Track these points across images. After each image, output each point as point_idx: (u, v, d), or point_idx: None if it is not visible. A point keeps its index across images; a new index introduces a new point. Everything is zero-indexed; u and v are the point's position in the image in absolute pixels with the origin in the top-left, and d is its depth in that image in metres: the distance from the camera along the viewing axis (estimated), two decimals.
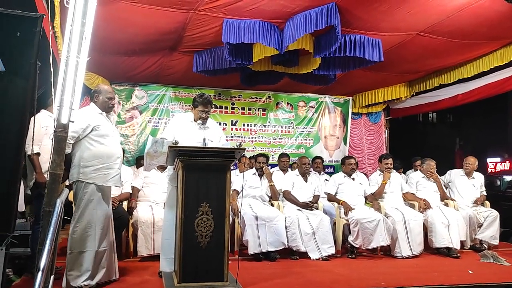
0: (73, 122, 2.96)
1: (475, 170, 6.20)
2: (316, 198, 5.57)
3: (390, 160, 5.85)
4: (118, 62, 6.11)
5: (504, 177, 20.50)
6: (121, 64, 6.21)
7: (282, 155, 6.32)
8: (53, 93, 2.99)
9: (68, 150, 3.35)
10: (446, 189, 6.27)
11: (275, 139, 8.20)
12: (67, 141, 3.22)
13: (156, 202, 5.09)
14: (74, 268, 3.43)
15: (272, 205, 5.44)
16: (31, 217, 5.02)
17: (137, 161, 6.52)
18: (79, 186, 3.52)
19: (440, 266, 4.83)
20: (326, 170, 7.76)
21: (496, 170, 20.24)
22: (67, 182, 3.73)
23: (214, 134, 4.00)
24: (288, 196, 5.44)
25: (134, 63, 6.29)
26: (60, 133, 2.87)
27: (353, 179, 5.69)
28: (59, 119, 2.84)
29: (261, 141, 8.10)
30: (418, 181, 6.03)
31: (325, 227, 5.04)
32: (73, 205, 3.65)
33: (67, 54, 2.85)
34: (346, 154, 8.33)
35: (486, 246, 5.68)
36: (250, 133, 8.06)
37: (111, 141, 3.64)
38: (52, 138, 2.88)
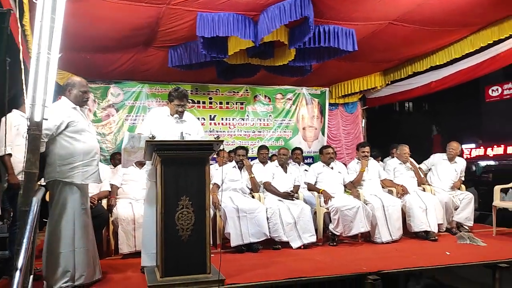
0: (46, 119, 2.92)
1: (458, 155, 6.32)
2: (296, 188, 5.62)
3: (367, 148, 5.93)
4: (91, 59, 6.01)
5: (479, 162, 21.03)
6: (94, 61, 6.12)
7: (261, 147, 6.34)
8: (24, 91, 2.93)
9: (42, 149, 3.27)
10: (427, 174, 6.40)
11: (254, 132, 8.23)
12: (41, 140, 3.18)
13: (136, 199, 5.05)
14: (52, 269, 3.36)
15: (253, 197, 5.46)
16: (8, 219, 4.93)
17: (112, 158, 6.46)
18: (56, 185, 3.43)
19: (419, 249, 4.94)
20: (306, 161, 7.82)
21: (472, 156, 20.73)
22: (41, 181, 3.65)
23: (192, 128, 3.98)
24: (269, 187, 5.48)
25: (108, 60, 6.22)
26: (34, 131, 2.83)
27: (332, 168, 5.76)
28: (32, 117, 2.79)
29: (240, 135, 8.12)
30: (395, 168, 6.15)
31: (306, 216, 5.10)
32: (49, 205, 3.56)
33: (37, 51, 2.80)
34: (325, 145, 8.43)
35: (467, 227, 5.84)
36: (229, 127, 8.07)
37: (88, 136, 3.54)
38: (26, 137, 2.83)
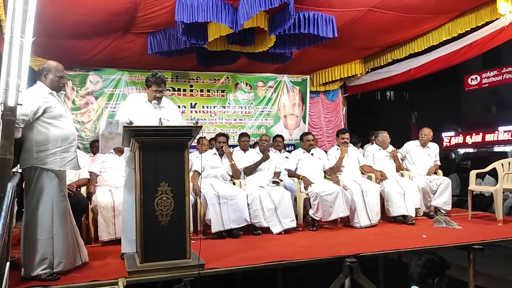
0: (21, 105, 2.87)
1: (430, 141, 6.45)
2: (277, 174, 5.66)
3: (346, 135, 6.00)
4: (69, 46, 5.91)
5: (458, 150, 21.42)
6: (72, 48, 6.01)
7: (242, 135, 6.32)
8: None
9: (18, 135, 3.21)
10: (403, 161, 6.51)
11: (235, 120, 8.22)
12: (17, 125, 3.13)
13: (115, 186, 5.01)
14: (30, 256, 3.32)
15: (234, 183, 5.48)
16: None
17: (92, 146, 6.39)
18: (33, 171, 3.36)
19: (397, 233, 5.05)
20: (287, 148, 7.86)
21: (451, 144, 21.15)
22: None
23: (170, 114, 3.94)
24: (250, 172, 5.52)
25: (86, 47, 6.12)
26: (8, 116, 2.79)
27: (312, 154, 5.81)
28: (5, 102, 2.75)
29: (221, 123, 8.11)
30: (374, 154, 6.24)
31: (286, 202, 5.14)
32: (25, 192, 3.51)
33: (10, 34, 2.75)
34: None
35: (444, 212, 5.97)
36: (210, 115, 8.04)
37: (65, 122, 3.48)
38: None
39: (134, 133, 3.41)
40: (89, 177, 5.09)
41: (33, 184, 3.38)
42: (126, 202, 3.89)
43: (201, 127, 3.61)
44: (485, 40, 6.08)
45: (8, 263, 2.70)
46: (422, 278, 2.42)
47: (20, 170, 3.44)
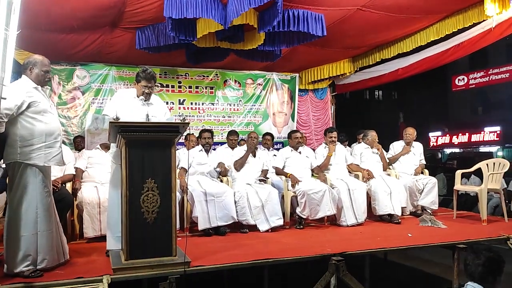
0: (5, 99, 2.82)
1: (415, 140, 6.51)
2: (264, 172, 5.66)
3: (334, 134, 6.03)
4: (56, 39, 5.83)
5: (444, 150, 21.65)
6: (59, 42, 5.93)
7: (231, 133, 6.27)
8: None
9: (1, 129, 3.17)
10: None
11: (224, 117, 8.21)
12: (0, 120, 3.08)
13: (101, 182, 4.95)
14: (13, 253, 3.27)
15: (221, 181, 5.46)
16: None
17: (74, 142, 6.33)
18: (17, 167, 3.31)
19: (383, 232, 5.08)
20: (275, 146, 7.86)
21: (438, 144, 21.37)
22: None
23: (158, 110, 3.92)
24: (240, 166, 5.54)
25: (73, 41, 6.04)
26: None
27: (300, 152, 5.81)
28: None
29: (210, 120, 8.08)
30: (361, 153, 6.26)
31: (273, 200, 5.14)
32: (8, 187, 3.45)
33: None
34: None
35: (429, 211, 6.02)
36: (198, 112, 8.01)
37: (50, 118, 3.43)
38: None
39: (120, 129, 3.37)
40: (74, 173, 5.03)
41: (17, 179, 3.34)
42: (112, 198, 3.85)
43: (188, 123, 3.58)
44: (473, 41, 6.15)
45: None
46: (483, 277, 2.47)
47: (4, 165, 3.39)
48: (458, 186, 5.99)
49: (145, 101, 3.87)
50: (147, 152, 3.47)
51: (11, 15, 2.75)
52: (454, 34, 6.14)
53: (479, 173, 6.22)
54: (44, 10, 4.72)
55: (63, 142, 3.97)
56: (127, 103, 3.82)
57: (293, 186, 5.43)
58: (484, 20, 5.61)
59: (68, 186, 4.85)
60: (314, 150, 6.37)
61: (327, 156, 5.88)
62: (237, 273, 4.83)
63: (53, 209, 3.57)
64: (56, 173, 4.68)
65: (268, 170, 5.77)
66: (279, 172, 5.75)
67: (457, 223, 5.57)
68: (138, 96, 3.88)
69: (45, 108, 3.42)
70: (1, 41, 2.68)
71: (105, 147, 5.12)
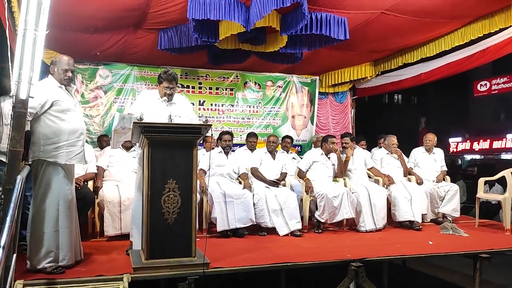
0: (32, 97, 2.87)
1: (435, 146, 6.42)
2: (283, 175, 5.64)
3: (346, 139, 5.97)
4: (80, 39, 5.91)
5: (465, 156, 21.28)
6: (83, 42, 6.01)
7: (250, 135, 6.27)
8: (10, 70, 2.86)
9: (26, 127, 3.22)
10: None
11: (243, 119, 8.20)
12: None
13: (122, 181, 5.02)
14: (36, 249, 3.34)
15: (240, 182, 5.46)
16: None
17: (99, 140, 6.40)
18: (40, 164, 3.39)
19: (403, 238, 5.02)
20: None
21: (458, 150, 21.00)
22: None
23: (182, 110, 3.93)
24: (255, 173, 5.49)
25: (97, 41, 6.11)
26: (19, 109, 2.79)
27: (329, 158, 5.75)
28: (17, 95, 2.75)
29: (229, 121, 8.08)
30: (382, 158, 6.20)
31: (292, 204, 5.12)
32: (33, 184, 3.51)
33: (24, 27, 2.75)
34: (313, 134, 8.45)
35: (450, 219, 5.91)
36: (218, 113, 8.03)
37: (73, 116, 3.48)
38: (11, 115, 2.79)
39: (143, 129, 3.40)
40: (96, 171, 5.09)
41: (40, 177, 3.41)
42: (137, 199, 3.85)
43: (210, 125, 3.59)
44: (498, 47, 6.01)
45: (15, 255, 2.70)
46: None
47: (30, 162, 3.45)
48: (481, 194, 5.87)
49: (168, 101, 3.90)
50: (169, 153, 3.49)
51: (41, 16, 2.80)
52: (479, 39, 6.01)
53: (501, 181, 6.09)
54: (70, 11, 4.78)
55: (85, 141, 4.02)
56: (151, 104, 3.86)
57: (306, 191, 5.38)
58: (510, 26, 5.49)
59: (90, 184, 4.91)
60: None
61: (345, 160, 5.78)
62: (254, 276, 4.82)
63: (74, 207, 3.62)
64: (79, 171, 4.74)
65: (287, 173, 5.74)
66: (300, 175, 5.69)
67: (479, 232, 5.46)
68: (161, 97, 3.91)
69: (68, 107, 3.48)
70: (31, 41, 2.74)
71: (126, 147, 5.17)
